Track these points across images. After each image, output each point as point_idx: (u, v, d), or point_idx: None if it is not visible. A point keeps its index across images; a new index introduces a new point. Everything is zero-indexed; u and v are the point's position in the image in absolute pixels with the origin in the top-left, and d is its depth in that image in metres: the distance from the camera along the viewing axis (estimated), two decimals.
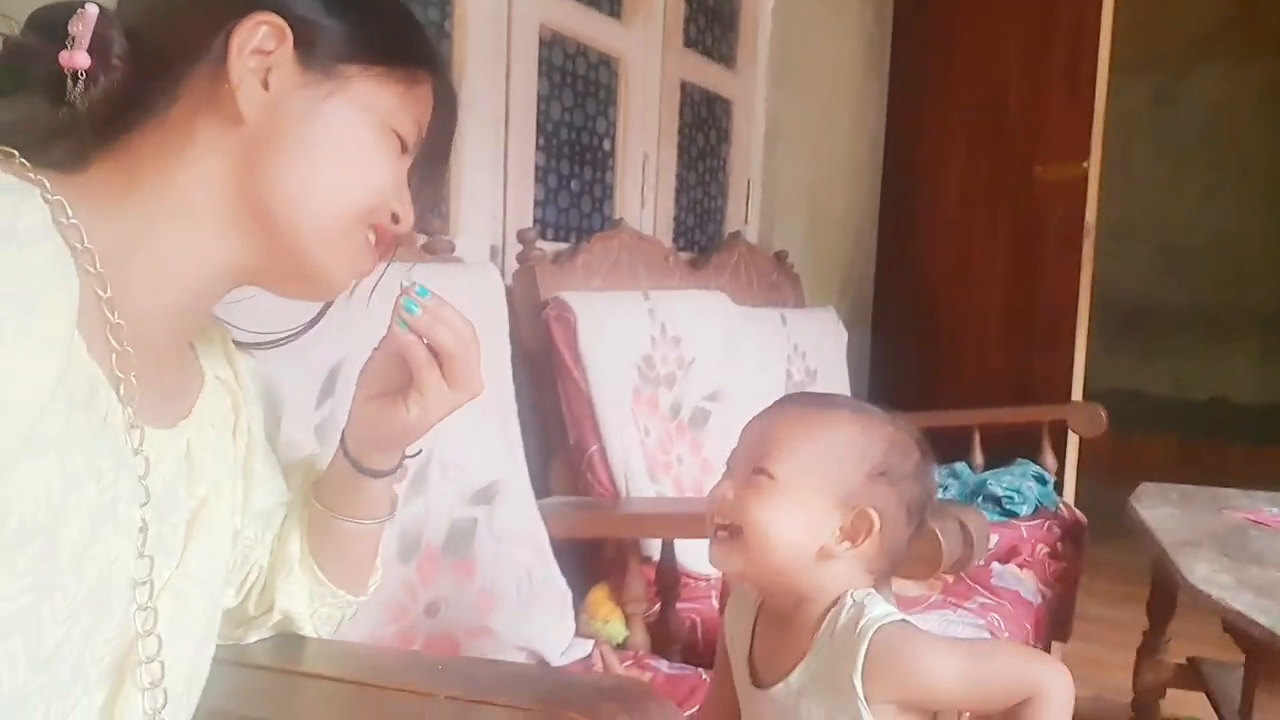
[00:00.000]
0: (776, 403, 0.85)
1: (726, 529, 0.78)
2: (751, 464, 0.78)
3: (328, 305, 0.73)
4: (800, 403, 0.84)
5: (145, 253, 0.56)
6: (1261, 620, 1.17)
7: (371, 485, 0.72)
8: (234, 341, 0.73)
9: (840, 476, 0.77)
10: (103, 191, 0.55)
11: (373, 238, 0.63)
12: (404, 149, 0.63)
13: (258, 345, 0.73)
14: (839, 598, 0.77)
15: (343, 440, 0.72)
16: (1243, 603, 1.23)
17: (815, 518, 0.76)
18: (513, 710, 0.56)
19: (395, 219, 0.64)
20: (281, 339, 0.74)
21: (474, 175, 1.57)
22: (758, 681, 0.81)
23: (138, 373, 0.55)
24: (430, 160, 0.67)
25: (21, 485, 0.46)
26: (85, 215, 0.53)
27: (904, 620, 0.75)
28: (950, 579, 1.63)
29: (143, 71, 0.55)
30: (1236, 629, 1.25)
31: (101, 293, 0.53)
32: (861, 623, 0.73)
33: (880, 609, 0.75)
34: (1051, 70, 2.67)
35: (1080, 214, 2.62)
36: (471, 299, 1.27)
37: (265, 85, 0.57)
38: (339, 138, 0.59)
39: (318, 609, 0.74)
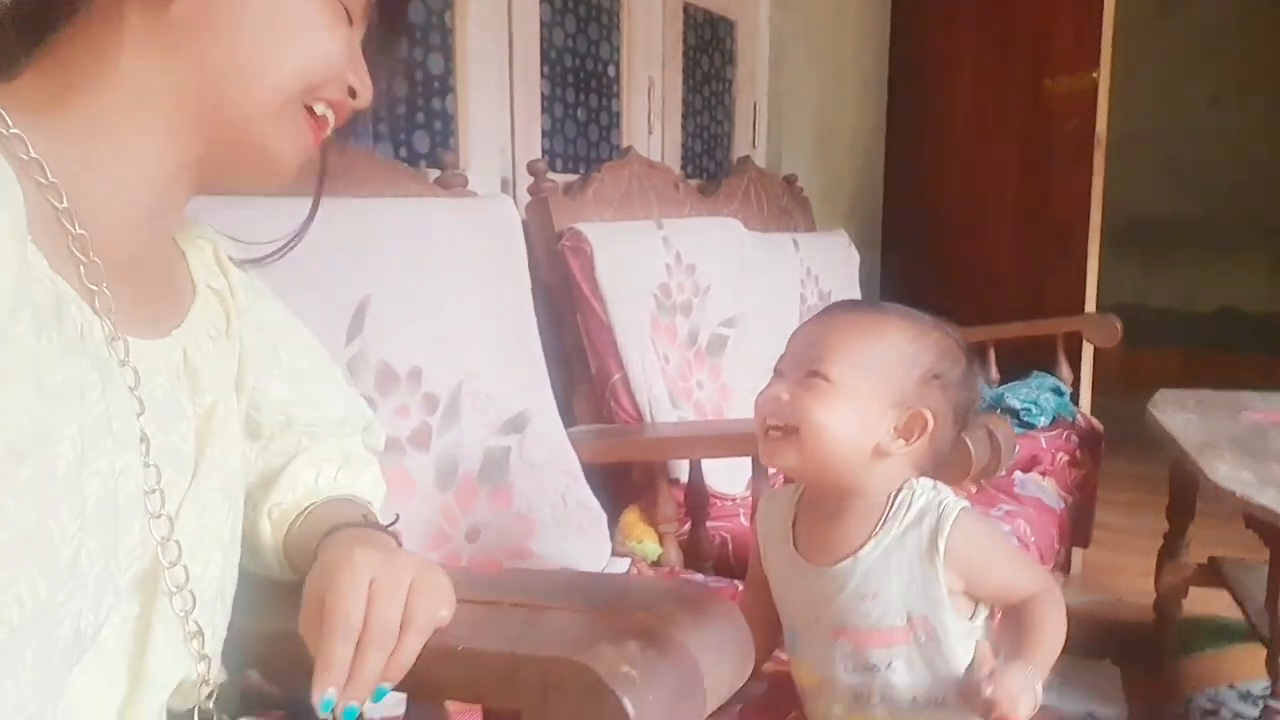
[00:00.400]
0: (825, 310, 0.89)
1: (780, 429, 0.82)
2: (806, 367, 0.81)
3: (310, 219, 0.73)
4: (851, 309, 0.88)
5: (95, 156, 0.54)
6: None
7: None
8: (229, 257, 0.71)
9: (895, 378, 0.81)
10: (40, 96, 0.53)
11: (331, 115, 0.61)
12: (351, 21, 0.60)
13: (252, 261, 0.72)
14: (901, 486, 0.83)
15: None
16: (1267, 498, 1.25)
17: (871, 417, 0.80)
18: (577, 613, 0.58)
19: (352, 93, 0.61)
20: (274, 253, 0.72)
21: (480, 107, 1.55)
22: (812, 562, 0.85)
23: (115, 285, 0.54)
24: (383, 32, 0.64)
25: (1, 407, 0.45)
26: (26, 124, 0.51)
27: (963, 506, 0.82)
28: (974, 487, 1.65)
29: None
30: (1261, 524, 1.28)
31: (57, 204, 0.52)
32: (944, 505, 0.82)
33: (943, 494, 0.83)
34: None
35: (1091, 125, 2.59)
36: (488, 233, 1.27)
37: None
38: (277, 10, 0.56)
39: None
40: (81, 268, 0.53)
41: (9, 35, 0.53)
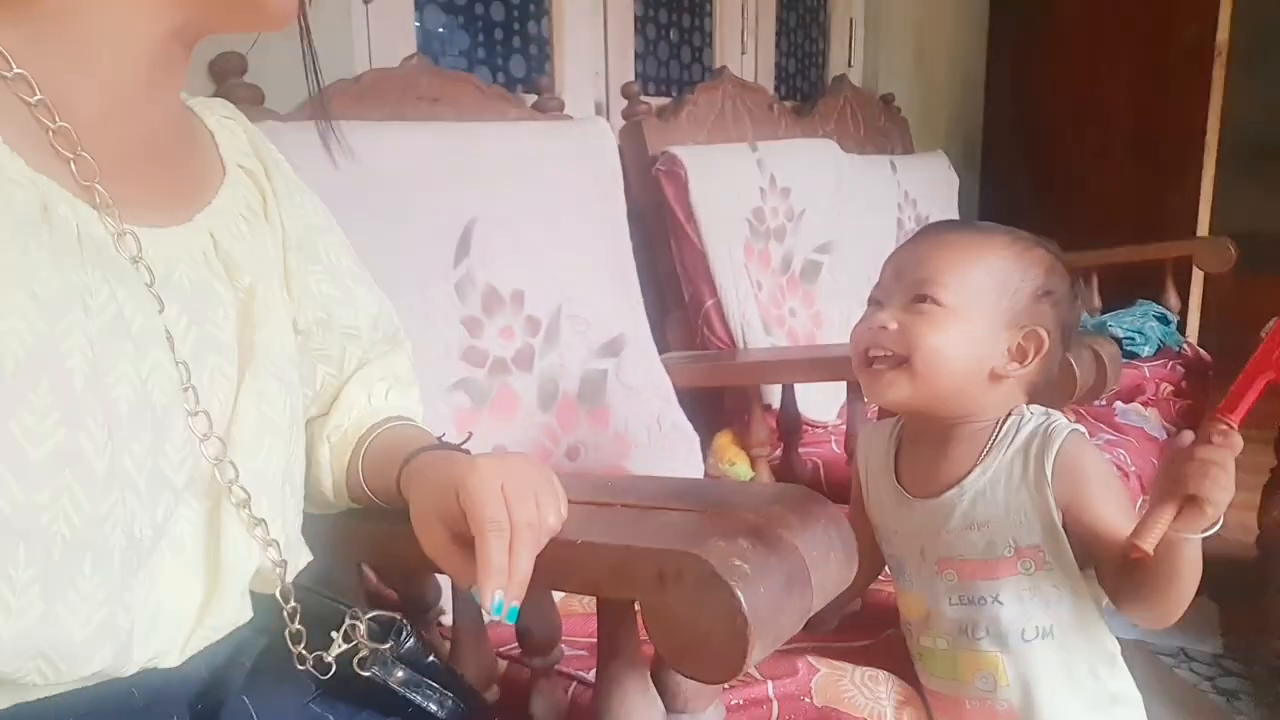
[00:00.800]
0: (922, 231, 0.85)
1: (885, 360, 0.78)
2: (912, 291, 0.78)
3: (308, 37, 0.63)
4: (951, 228, 0.83)
5: (67, 39, 0.49)
6: None
7: None
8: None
9: (1009, 297, 0.78)
10: None
11: None
12: None
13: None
14: (1011, 411, 0.79)
15: (402, 494, 0.63)
16: None
17: (987, 340, 0.77)
18: (687, 513, 0.61)
19: None
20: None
21: (574, 31, 1.56)
22: (916, 495, 0.83)
23: (119, 175, 0.51)
24: None
25: None
26: None
27: (1077, 430, 0.78)
28: (1073, 414, 1.63)
29: None
30: None
31: (28, 98, 0.48)
32: (1052, 427, 0.77)
33: (1057, 420, 0.78)
34: None
35: (1212, 33, 2.44)
36: (585, 156, 1.29)
37: None
38: None
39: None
40: (71, 164, 0.49)
41: None
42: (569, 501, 0.60)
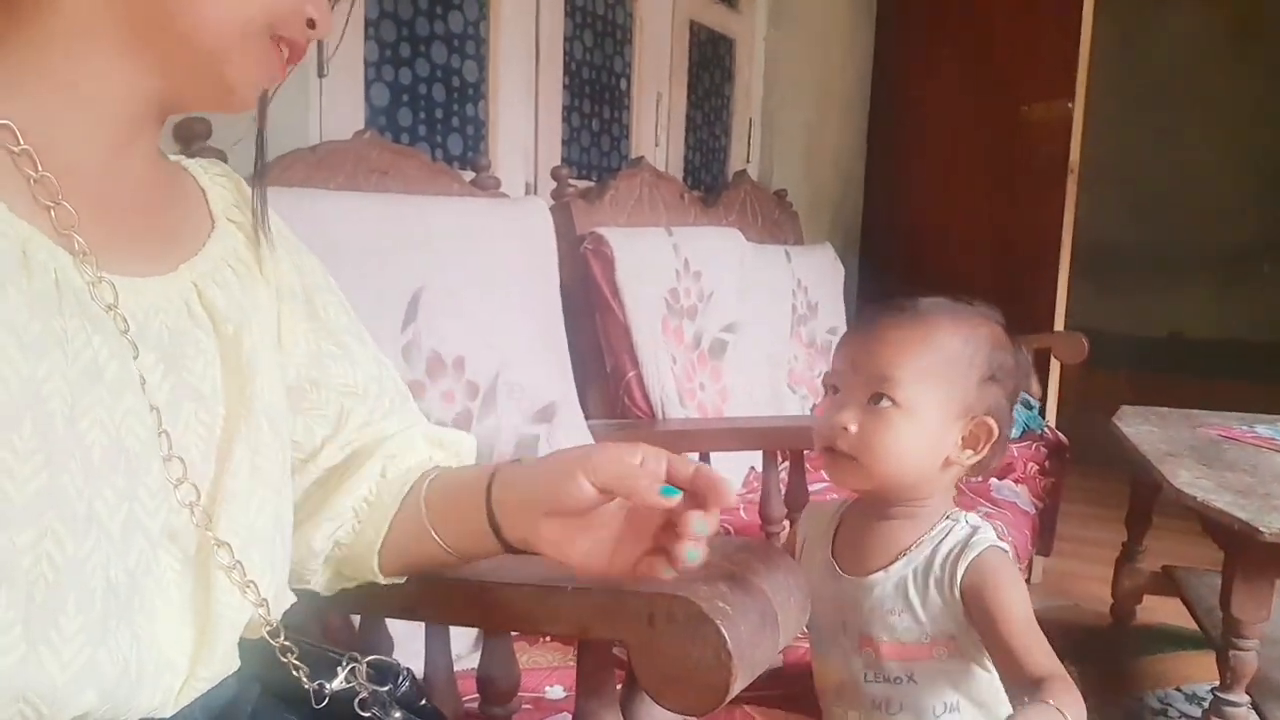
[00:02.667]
0: (871, 316, 0.89)
1: (847, 455, 0.82)
2: (870, 389, 0.82)
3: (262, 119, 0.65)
4: (899, 316, 0.86)
5: (47, 92, 0.52)
6: (1241, 515, 1.33)
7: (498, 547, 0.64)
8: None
9: (958, 389, 0.82)
10: None
11: (286, 52, 0.57)
12: None
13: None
14: (949, 514, 0.86)
15: (492, 510, 0.63)
16: (1224, 501, 1.38)
17: (940, 434, 0.82)
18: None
19: (311, 24, 0.58)
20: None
21: (508, 113, 1.65)
22: (847, 571, 0.88)
23: (98, 225, 0.53)
24: None
25: None
26: None
27: (1000, 548, 0.83)
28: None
29: None
30: (1217, 526, 1.41)
31: (12, 147, 0.50)
32: (975, 539, 0.83)
33: (987, 534, 0.84)
34: (1040, 8, 2.76)
35: (1065, 152, 2.74)
36: (524, 233, 1.37)
37: None
38: None
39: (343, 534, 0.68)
40: (51, 212, 0.51)
41: None
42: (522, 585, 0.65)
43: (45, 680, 0.47)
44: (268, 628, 0.59)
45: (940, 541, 0.84)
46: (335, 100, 1.28)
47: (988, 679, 0.85)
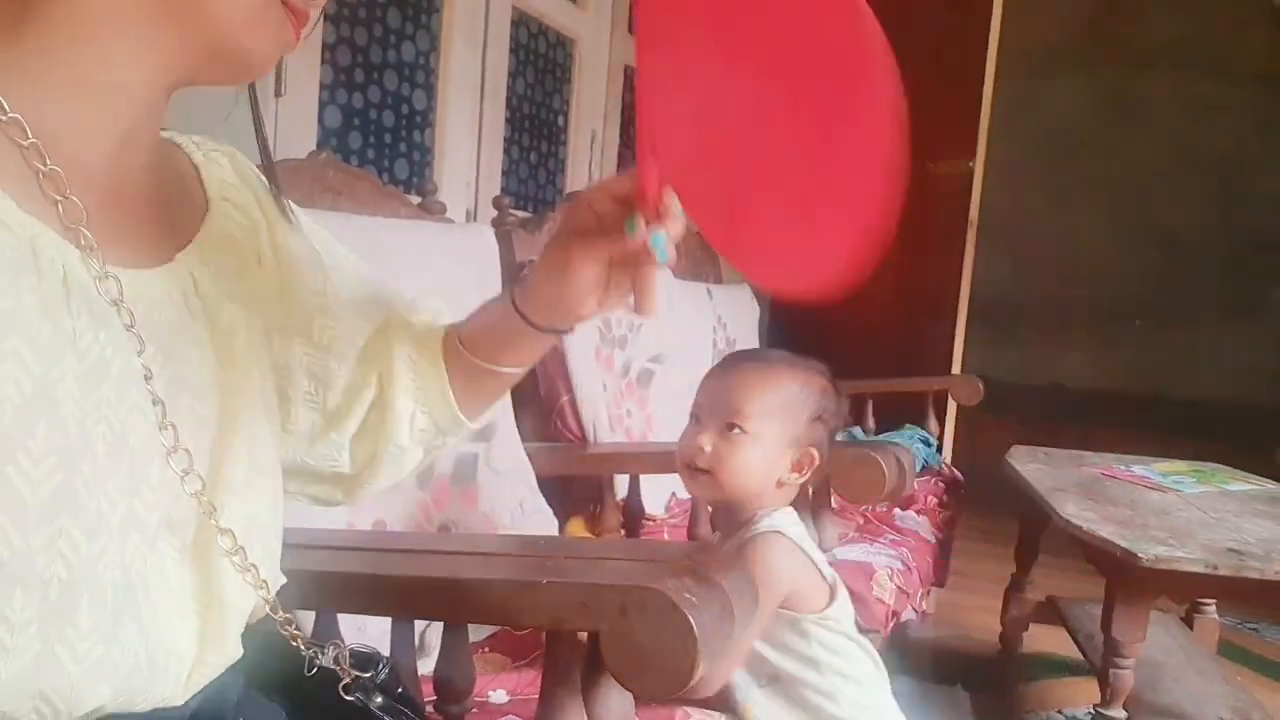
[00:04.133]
0: (730, 361, 1.10)
1: (704, 470, 1.03)
2: (724, 419, 1.03)
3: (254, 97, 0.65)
4: (753, 361, 1.08)
5: (59, 84, 0.51)
6: (1122, 543, 1.46)
7: (542, 339, 0.71)
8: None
9: (793, 424, 1.03)
10: None
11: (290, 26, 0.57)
12: None
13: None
14: (766, 512, 1.04)
15: (515, 302, 0.70)
16: (1107, 531, 1.52)
17: (775, 459, 1.03)
18: (632, 560, 0.73)
19: None
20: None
21: (453, 143, 1.69)
22: None
23: (102, 216, 0.53)
24: None
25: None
26: None
27: (778, 532, 1.01)
28: (862, 521, 1.88)
29: None
30: (1100, 554, 1.54)
31: (21, 141, 0.49)
32: (760, 527, 1.02)
33: (775, 522, 1.02)
34: (945, 72, 2.97)
35: (965, 208, 2.95)
36: (471, 257, 1.41)
37: None
38: None
39: (421, 421, 0.73)
40: (59, 206, 0.50)
41: None
42: (516, 555, 0.71)
43: (62, 677, 0.48)
44: (269, 606, 0.61)
45: (751, 528, 1.03)
46: (290, 120, 1.31)
47: (806, 645, 1.01)
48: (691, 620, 0.64)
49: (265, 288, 0.66)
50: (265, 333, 0.66)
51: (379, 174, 1.54)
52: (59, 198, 0.50)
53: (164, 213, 0.60)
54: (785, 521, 1.04)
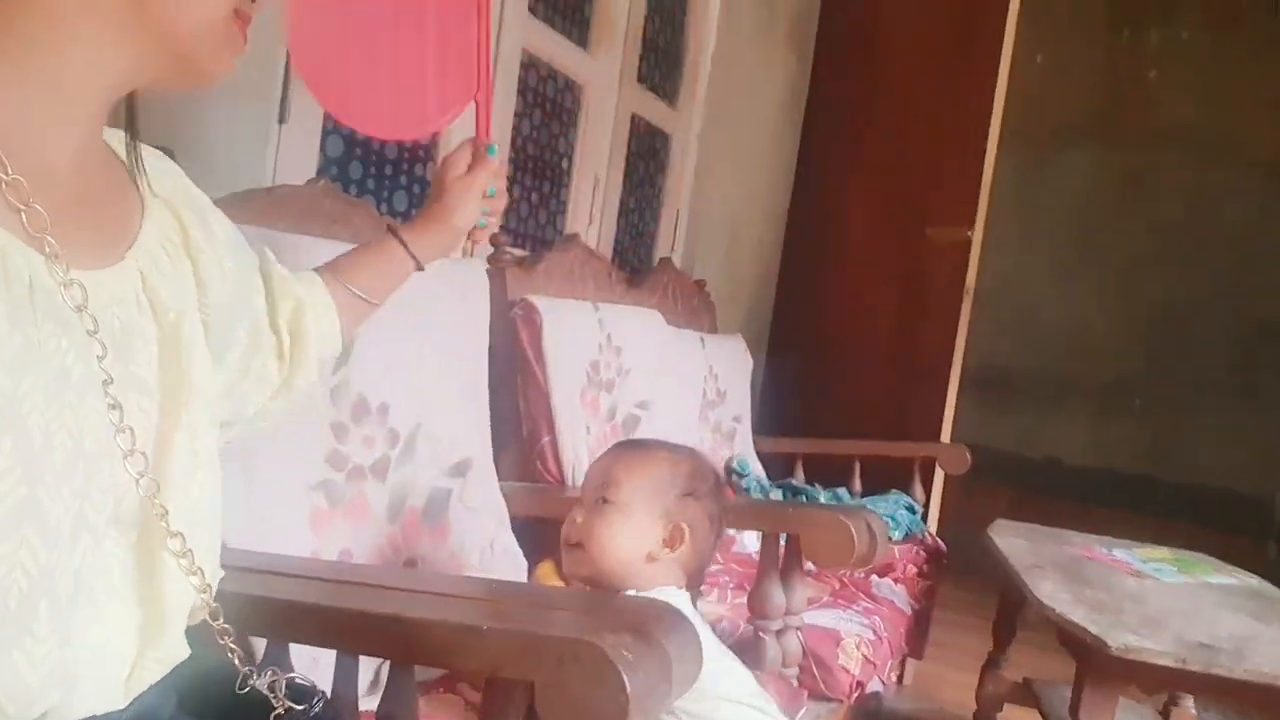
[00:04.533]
0: (613, 447, 1.18)
1: (577, 545, 1.08)
2: (596, 494, 1.08)
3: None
4: (633, 446, 1.17)
5: (23, 93, 0.52)
6: (1093, 629, 1.46)
7: (410, 273, 0.97)
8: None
9: (662, 497, 1.08)
10: None
11: (239, 30, 0.60)
12: None
13: None
14: (648, 589, 1.05)
15: (404, 242, 0.94)
16: (1079, 615, 1.51)
17: (643, 530, 1.07)
18: (577, 612, 0.73)
19: None
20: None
21: None
22: None
23: (62, 221, 0.53)
24: None
25: None
26: None
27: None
28: (838, 585, 1.88)
29: None
30: (1071, 638, 1.54)
31: None
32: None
33: (664, 595, 1.02)
34: (947, 141, 3.01)
35: (962, 276, 2.97)
36: (460, 291, 1.43)
37: None
38: None
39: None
40: (22, 214, 0.51)
41: None
42: (465, 597, 0.72)
43: (18, 684, 0.49)
44: (208, 610, 0.62)
45: None
46: (292, 146, 1.34)
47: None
48: (625, 678, 0.64)
49: (201, 275, 0.68)
50: (204, 318, 0.67)
51: (377, 204, 1.57)
52: (23, 206, 0.51)
53: (112, 211, 0.61)
54: (673, 597, 1.04)
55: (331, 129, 1.46)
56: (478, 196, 0.97)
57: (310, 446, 1.14)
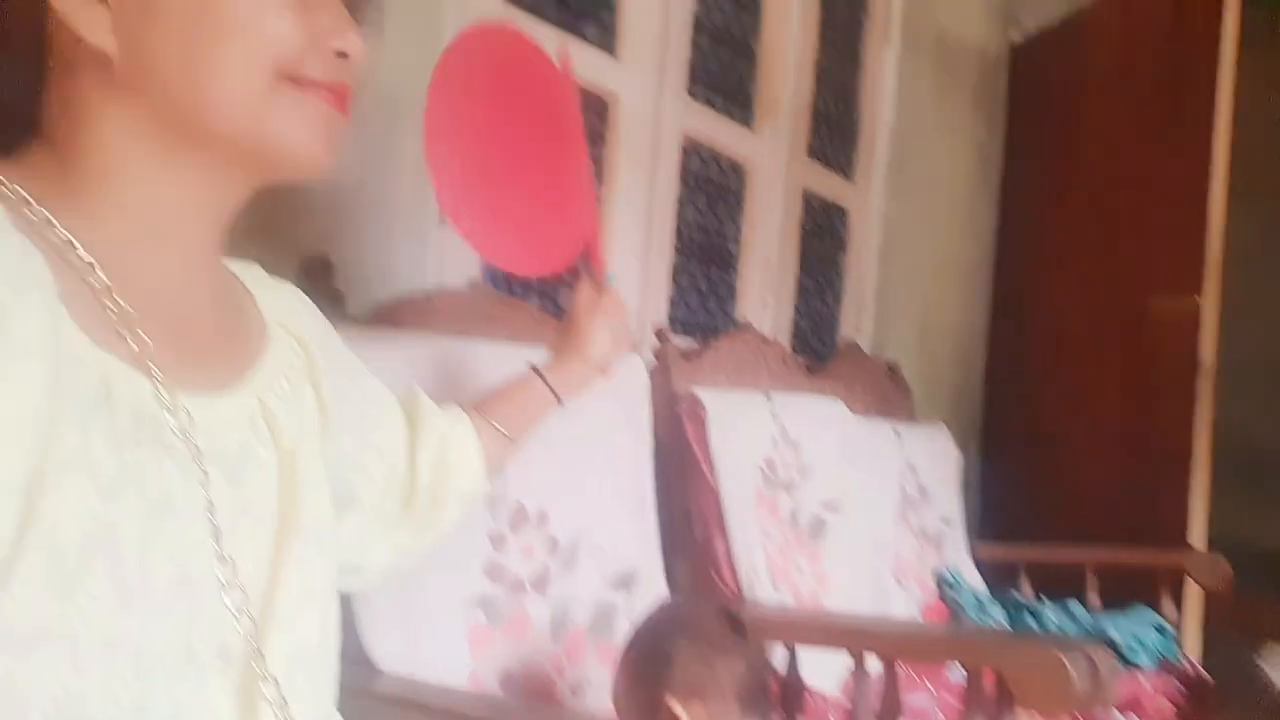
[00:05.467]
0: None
1: None
2: None
3: None
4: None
5: (114, 222, 0.56)
6: None
7: (551, 409, 1.02)
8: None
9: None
10: (49, 178, 0.55)
11: (323, 93, 0.60)
12: None
13: None
14: None
15: (544, 378, 1.01)
16: None
17: None
18: None
19: (342, 55, 0.60)
20: None
21: (618, 271, 1.73)
22: None
23: (171, 346, 0.56)
24: None
25: (60, 512, 0.47)
26: (50, 207, 0.53)
27: None
28: None
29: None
30: None
31: (93, 282, 0.53)
32: None
33: None
34: (1162, 201, 2.77)
35: (1194, 350, 2.68)
36: (620, 389, 1.42)
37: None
38: (201, 15, 0.55)
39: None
40: (129, 340, 0.54)
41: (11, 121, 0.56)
42: None
43: None
44: None
45: None
46: (451, 248, 1.39)
47: None
48: None
49: (316, 420, 0.69)
50: (323, 450, 0.69)
51: (541, 300, 1.60)
52: (128, 333, 0.54)
53: (228, 337, 0.64)
54: None
55: None
56: (605, 329, 1.02)
57: (467, 558, 1.14)
